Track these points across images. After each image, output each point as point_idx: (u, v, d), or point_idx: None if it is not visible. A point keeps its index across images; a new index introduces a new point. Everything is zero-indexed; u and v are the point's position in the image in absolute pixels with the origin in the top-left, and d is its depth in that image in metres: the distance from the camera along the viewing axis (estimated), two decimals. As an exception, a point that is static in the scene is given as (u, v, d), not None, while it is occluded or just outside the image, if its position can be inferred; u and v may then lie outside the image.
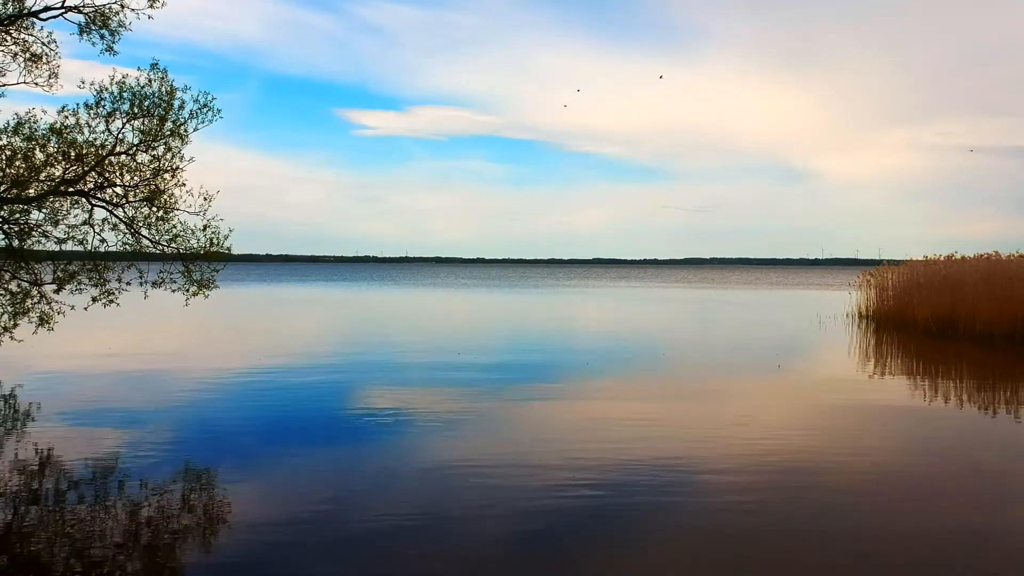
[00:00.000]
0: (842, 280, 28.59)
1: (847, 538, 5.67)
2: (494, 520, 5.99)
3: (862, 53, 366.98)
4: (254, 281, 66.10)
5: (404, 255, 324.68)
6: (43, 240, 9.53)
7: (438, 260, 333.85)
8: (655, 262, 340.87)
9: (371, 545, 5.49)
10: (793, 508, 6.33)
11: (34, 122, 9.84)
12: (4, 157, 9.14)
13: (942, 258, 23.39)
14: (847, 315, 27.16)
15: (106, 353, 16.00)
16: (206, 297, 10.21)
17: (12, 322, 10.41)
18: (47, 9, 9.78)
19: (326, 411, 10.27)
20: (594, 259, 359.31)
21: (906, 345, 19.71)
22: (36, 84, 11.12)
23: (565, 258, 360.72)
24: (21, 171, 9.34)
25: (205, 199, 10.35)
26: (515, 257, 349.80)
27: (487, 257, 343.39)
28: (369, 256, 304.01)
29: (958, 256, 22.55)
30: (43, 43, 10.53)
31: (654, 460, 7.71)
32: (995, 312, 19.79)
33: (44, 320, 9.85)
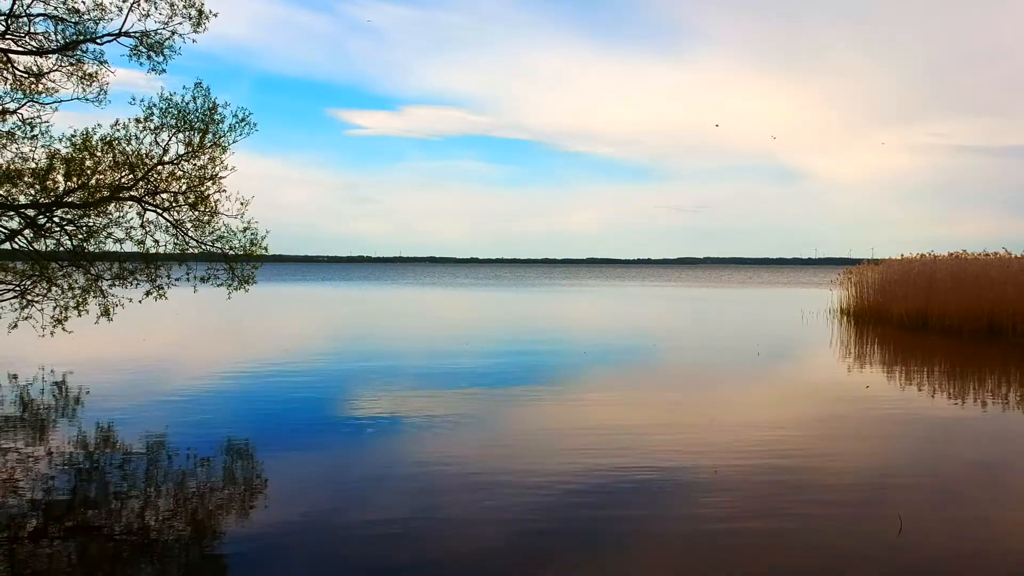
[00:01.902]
0: (831, 279, 29.86)
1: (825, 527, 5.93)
2: (489, 519, 6.07)
3: (854, 54, 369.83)
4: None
5: (397, 255, 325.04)
6: (104, 241, 10.72)
7: (431, 260, 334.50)
8: (648, 262, 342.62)
9: (366, 542, 5.57)
10: (784, 501, 6.54)
11: (91, 135, 11.05)
12: (70, 168, 10.32)
13: (917, 256, 24.81)
14: (829, 311, 28.55)
15: (111, 349, 17.17)
16: (246, 292, 11.43)
17: (65, 315, 11.59)
18: (107, 35, 10.96)
19: (322, 408, 10.62)
20: (588, 259, 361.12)
21: (881, 338, 21.05)
22: (87, 100, 12.34)
23: (559, 258, 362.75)
24: (85, 179, 10.53)
25: (242, 204, 11.57)
26: (509, 257, 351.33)
27: (481, 257, 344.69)
28: (362, 256, 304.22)
29: (930, 255, 23.99)
30: (97, 63, 11.71)
31: (645, 457, 7.86)
32: (963, 307, 21.18)
33: (106, 312, 11.06)
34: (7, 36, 10.42)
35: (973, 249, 23.24)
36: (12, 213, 10.41)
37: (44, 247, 10.68)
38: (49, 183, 10.56)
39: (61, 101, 12.14)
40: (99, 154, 10.95)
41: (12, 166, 10.48)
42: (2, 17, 10.25)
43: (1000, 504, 6.67)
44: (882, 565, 5.25)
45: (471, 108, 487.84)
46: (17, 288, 11.31)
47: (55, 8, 10.42)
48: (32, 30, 10.63)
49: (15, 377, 12.73)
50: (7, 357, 14.44)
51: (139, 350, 16.81)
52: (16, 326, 11.59)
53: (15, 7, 10.15)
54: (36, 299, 11.53)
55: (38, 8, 10.38)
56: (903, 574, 5.14)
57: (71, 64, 11.90)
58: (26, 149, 10.91)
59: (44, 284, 11.33)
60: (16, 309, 11.47)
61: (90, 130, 10.52)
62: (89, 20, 10.75)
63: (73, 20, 11.04)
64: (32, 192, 10.27)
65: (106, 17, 10.88)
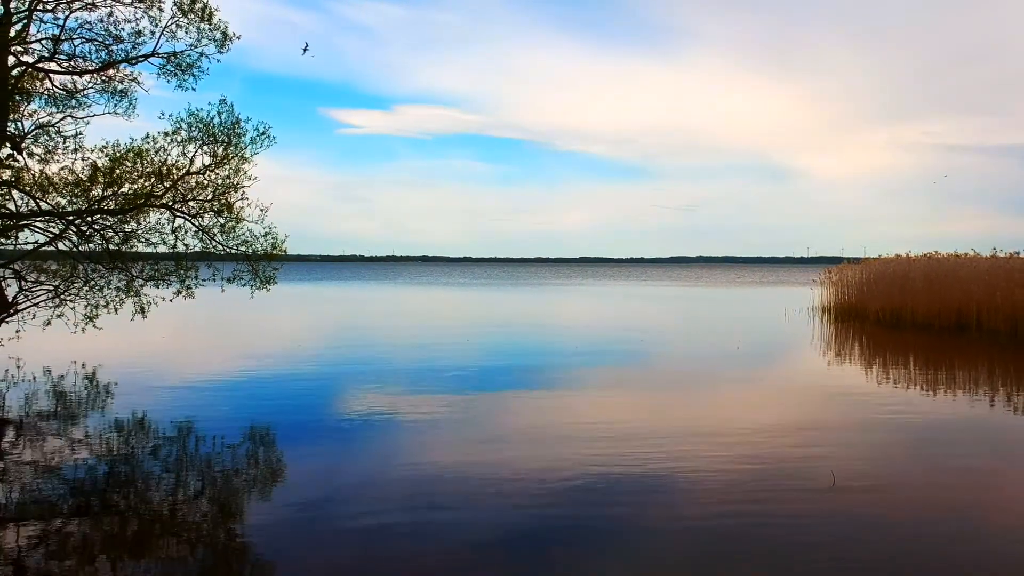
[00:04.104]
0: (815, 278, 31.02)
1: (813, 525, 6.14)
2: (486, 515, 6.27)
3: (845, 52, 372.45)
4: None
5: (390, 254, 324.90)
6: (138, 245, 11.78)
7: (424, 259, 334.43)
8: (641, 260, 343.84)
9: (366, 537, 5.77)
10: (775, 497, 6.79)
11: (126, 148, 12.07)
12: (110, 179, 11.35)
13: (894, 257, 26.08)
14: (811, 309, 29.76)
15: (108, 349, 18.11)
16: (268, 291, 12.49)
17: (96, 312, 12.59)
18: (140, 56, 11.98)
19: (324, 406, 11.02)
20: (581, 258, 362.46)
21: (858, 334, 22.22)
22: (117, 114, 13.35)
23: (552, 257, 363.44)
24: (120, 188, 11.57)
25: (262, 211, 12.63)
26: (502, 256, 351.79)
27: (474, 256, 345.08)
28: (355, 255, 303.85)
29: (905, 255, 25.28)
30: (129, 81, 12.73)
31: (636, 455, 8.10)
32: (934, 305, 22.43)
33: (142, 310, 12.12)
34: (52, 59, 11.43)
35: (964, 248, 24.60)
36: (56, 218, 11.45)
37: (86, 250, 11.72)
38: (89, 191, 11.60)
39: (94, 116, 13.19)
40: (131, 164, 11.99)
41: (56, 176, 11.53)
42: (48, 41, 11.28)
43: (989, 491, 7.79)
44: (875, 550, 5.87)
45: (464, 107, 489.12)
46: (52, 288, 12.34)
47: (97, 34, 11.43)
48: (74, 53, 11.65)
49: (49, 370, 13.71)
50: (39, 352, 15.39)
51: (148, 347, 17.80)
52: (50, 323, 12.61)
53: (61, 33, 11.17)
54: (69, 298, 12.54)
55: (82, 33, 11.40)
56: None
57: (104, 82, 12.93)
58: (67, 161, 11.98)
59: (79, 284, 12.37)
60: (50, 308, 12.48)
61: (125, 143, 11.57)
62: (127, 44, 11.77)
63: (108, 43, 12.08)
64: (77, 201, 11.30)
65: (140, 40, 11.92)
